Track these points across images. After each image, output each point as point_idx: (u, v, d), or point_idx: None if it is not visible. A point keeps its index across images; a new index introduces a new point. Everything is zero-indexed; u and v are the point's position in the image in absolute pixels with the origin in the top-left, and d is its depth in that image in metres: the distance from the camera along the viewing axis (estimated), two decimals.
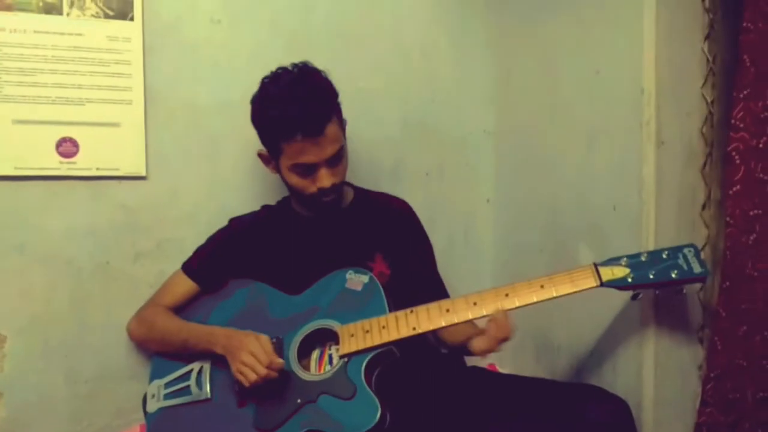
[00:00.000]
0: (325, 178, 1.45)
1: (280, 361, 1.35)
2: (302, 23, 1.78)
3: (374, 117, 1.84)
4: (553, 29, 1.72)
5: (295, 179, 1.47)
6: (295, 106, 1.40)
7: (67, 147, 1.57)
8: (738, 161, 1.33)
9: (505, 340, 1.36)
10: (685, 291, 1.37)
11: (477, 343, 1.40)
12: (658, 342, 1.48)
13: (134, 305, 1.60)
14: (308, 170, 1.45)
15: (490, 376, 1.61)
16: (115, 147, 1.61)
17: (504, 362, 1.88)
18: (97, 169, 1.60)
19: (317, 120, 1.41)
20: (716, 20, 1.45)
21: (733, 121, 1.33)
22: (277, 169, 1.51)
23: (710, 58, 1.46)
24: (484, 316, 1.36)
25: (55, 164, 1.57)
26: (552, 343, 1.75)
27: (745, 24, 1.30)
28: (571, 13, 1.65)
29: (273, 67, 1.50)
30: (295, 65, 1.48)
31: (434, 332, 1.54)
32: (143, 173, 1.64)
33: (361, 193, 1.63)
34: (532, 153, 1.83)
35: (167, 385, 1.49)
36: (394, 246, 1.57)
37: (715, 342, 1.39)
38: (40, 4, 1.54)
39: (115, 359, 1.64)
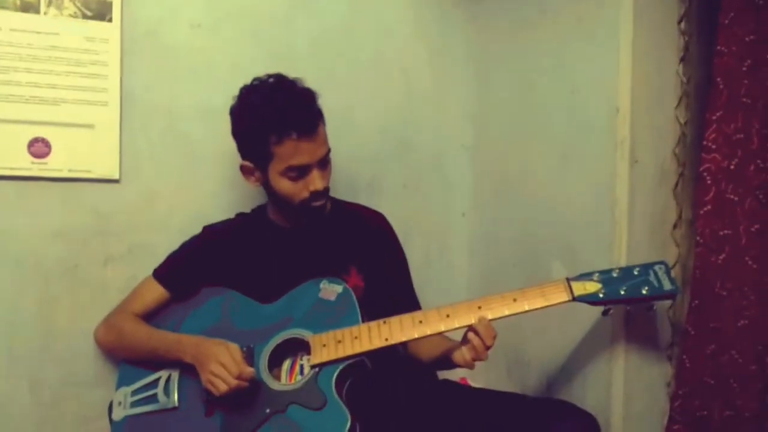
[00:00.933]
0: (318, 180, 1.45)
1: (250, 370, 1.34)
2: (283, 35, 1.77)
3: (352, 130, 1.84)
4: (531, 47, 1.74)
5: (286, 185, 1.45)
6: (285, 106, 1.40)
7: (39, 147, 1.55)
8: (709, 182, 1.36)
9: (489, 348, 1.35)
10: (655, 308, 1.38)
11: (461, 354, 1.38)
12: (628, 359, 1.50)
13: (103, 311, 1.58)
14: (301, 173, 1.44)
15: (461, 390, 1.60)
16: (89, 149, 1.59)
17: (475, 376, 1.88)
18: (69, 170, 1.58)
19: (310, 118, 1.42)
20: (691, 43, 1.49)
21: (705, 143, 1.36)
22: (263, 180, 1.49)
23: (684, 80, 1.49)
24: (456, 329, 1.36)
25: (26, 164, 1.54)
26: (523, 357, 1.76)
27: (718, 47, 1.33)
28: (550, 33, 1.67)
29: (252, 76, 1.49)
30: (269, 75, 1.48)
31: (407, 349, 1.54)
32: (116, 176, 1.62)
33: (338, 205, 1.63)
34: (508, 169, 1.84)
35: (134, 392, 1.47)
36: (370, 259, 1.57)
37: (683, 360, 1.41)
38: (17, 2, 1.52)
39: (82, 366, 1.61)
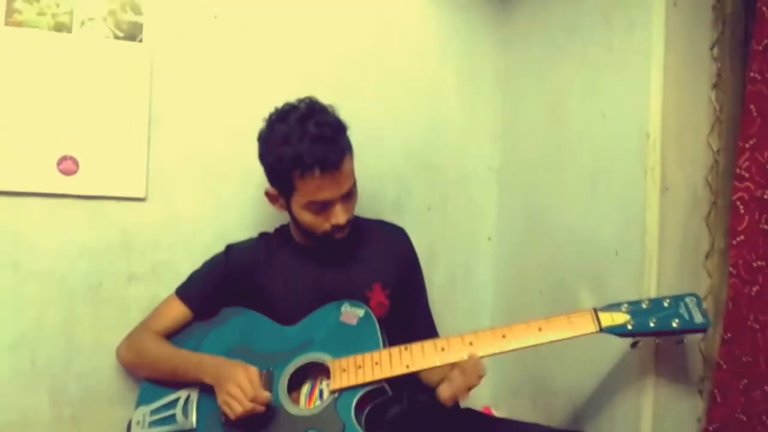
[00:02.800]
0: (341, 215, 1.43)
1: (267, 394, 1.32)
2: (311, 57, 1.78)
3: (379, 150, 1.83)
4: (561, 70, 1.73)
5: (308, 218, 1.45)
6: (311, 141, 1.38)
7: (67, 165, 1.57)
8: (742, 211, 1.32)
9: (472, 387, 1.31)
10: (685, 341, 1.34)
11: (443, 390, 1.34)
12: (657, 392, 1.45)
13: (125, 328, 1.58)
14: (323, 207, 1.43)
15: (484, 419, 1.57)
16: (116, 167, 1.60)
17: (499, 405, 1.84)
18: (97, 188, 1.59)
19: (335, 155, 1.39)
20: (724, 69, 1.46)
21: (738, 171, 1.33)
22: (287, 207, 1.49)
23: (717, 107, 1.46)
24: (480, 358, 1.33)
25: (54, 181, 1.56)
26: (549, 387, 1.72)
27: (751, 74, 1.30)
28: (580, 56, 1.66)
29: (280, 98, 1.49)
30: (301, 101, 1.47)
31: (424, 378, 1.51)
32: (143, 195, 1.63)
33: (359, 222, 1.62)
34: (536, 193, 1.82)
35: (153, 412, 1.46)
36: (393, 275, 1.56)
37: (714, 394, 1.37)
38: (51, 22, 1.55)
39: (103, 383, 1.61)
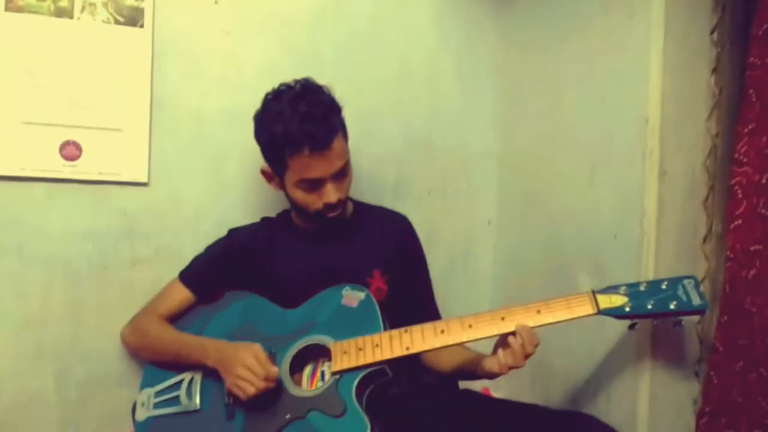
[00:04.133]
0: (332, 193, 1.45)
1: (276, 370, 1.34)
2: (311, 40, 1.78)
3: (378, 134, 1.84)
4: (559, 55, 1.73)
5: (300, 195, 1.46)
6: (300, 120, 1.40)
7: (70, 150, 1.58)
8: (740, 195, 1.33)
9: (528, 356, 1.31)
10: (682, 323, 1.36)
11: (496, 359, 1.33)
12: (654, 373, 1.47)
13: (129, 311, 1.60)
14: (314, 185, 1.44)
15: (483, 400, 1.59)
16: (119, 152, 1.61)
17: (498, 387, 1.86)
18: (99, 173, 1.60)
19: (324, 133, 1.41)
20: (723, 54, 1.46)
21: (736, 156, 1.33)
22: (281, 186, 1.51)
23: (716, 92, 1.46)
24: (478, 339, 1.35)
25: (57, 166, 1.57)
26: (548, 369, 1.74)
27: (751, 59, 1.31)
28: (579, 41, 1.66)
29: (279, 80, 1.50)
30: (297, 81, 1.48)
31: (423, 357, 1.52)
32: (145, 179, 1.64)
33: (361, 207, 1.63)
34: (535, 177, 1.83)
35: (157, 393, 1.48)
36: (393, 262, 1.57)
37: (711, 376, 1.38)
38: (52, 7, 1.55)
39: (108, 365, 1.63)
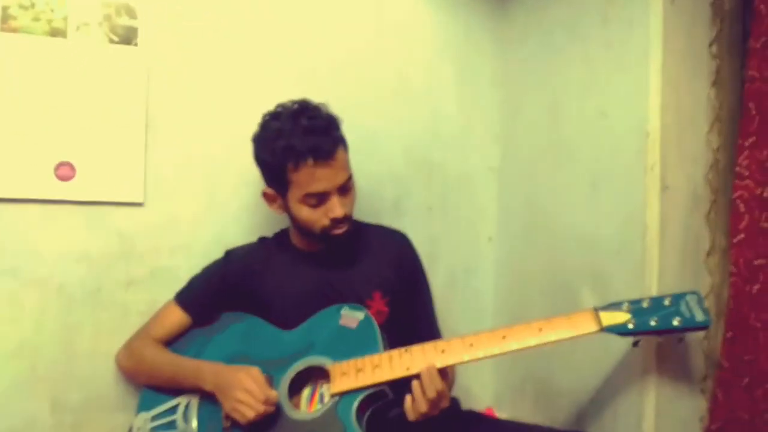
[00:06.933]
0: (338, 207, 1.43)
1: (275, 393, 1.32)
2: (308, 58, 1.77)
3: (377, 151, 1.83)
4: (560, 69, 1.72)
5: (305, 212, 1.44)
6: (303, 133, 1.39)
7: (64, 170, 1.56)
8: (743, 209, 1.32)
9: (431, 401, 1.26)
10: (685, 339, 1.33)
11: (408, 409, 1.29)
12: (660, 391, 1.44)
13: (124, 334, 1.57)
14: (320, 200, 1.43)
15: (485, 421, 1.56)
16: (114, 172, 1.60)
17: (502, 407, 1.84)
18: (94, 193, 1.58)
19: (328, 144, 1.40)
20: (723, 67, 1.45)
21: (737, 169, 1.32)
22: (285, 206, 1.49)
23: (717, 105, 1.45)
24: (481, 359, 1.33)
25: (51, 187, 1.55)
26: (551, 388, 1.71)
27: (750, 72, 1.30)
28: (579, 54, 1.65)
29: (276, 101, 1.50)
30: (293, 101, 1.48)
31: None
32: (141, 200, 1.63)
33: (359, 227, 1.61)
34: (536, 192, 1.81)
35: (154, 418, 1.46)
36: (393, 283, 1.55)
37: (717, 393, 1.36)
38: (46, 27, 1.54)
39: (103, 389, 1.60)
